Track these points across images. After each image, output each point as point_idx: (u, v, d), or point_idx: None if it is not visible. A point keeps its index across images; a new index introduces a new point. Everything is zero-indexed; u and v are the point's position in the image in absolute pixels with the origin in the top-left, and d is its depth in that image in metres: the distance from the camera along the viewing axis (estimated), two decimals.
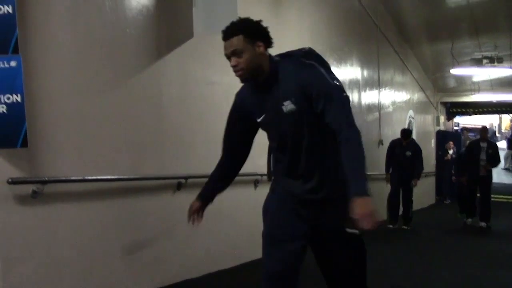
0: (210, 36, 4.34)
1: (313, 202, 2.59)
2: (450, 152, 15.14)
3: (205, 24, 4.57)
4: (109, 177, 3.94)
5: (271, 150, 2.77)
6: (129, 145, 4.22)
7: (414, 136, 11.41)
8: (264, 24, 2.52)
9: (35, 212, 3.42)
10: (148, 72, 4.41)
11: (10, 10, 3.21)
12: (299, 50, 2.65)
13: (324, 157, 2.55)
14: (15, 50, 3.21)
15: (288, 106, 2.50)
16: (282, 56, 2.62)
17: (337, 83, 2.55)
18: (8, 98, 3.22)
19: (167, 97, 4.63)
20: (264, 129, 2.69)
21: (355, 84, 9.66)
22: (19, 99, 3.22)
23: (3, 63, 3.22)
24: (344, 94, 2.54)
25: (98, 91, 3.92)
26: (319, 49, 2.76)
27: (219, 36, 2.51)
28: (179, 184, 4.66)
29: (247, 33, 2.47)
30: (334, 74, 2.63)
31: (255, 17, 2.52)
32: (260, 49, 2.50)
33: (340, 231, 2.52)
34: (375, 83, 10.95)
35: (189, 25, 4.58)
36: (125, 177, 4.10)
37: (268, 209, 2.68)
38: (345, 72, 9.11)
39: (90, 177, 3.76)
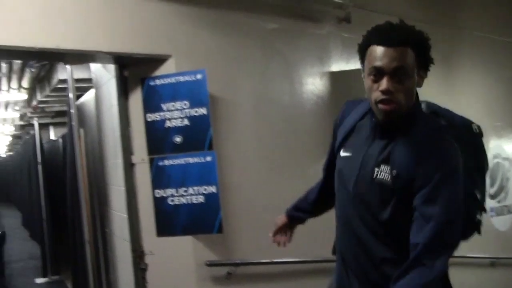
0: None
1: None
2: None
3: None
4: (293, 259, 4.14)
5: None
6: (310, 230, 4.40)
7: None
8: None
9: None
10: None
11: (205, 112, 3.62)
12: (451, 114, 1.84)
13: (377, 249, 1.80)
14: (210, 147, 3.60)
15: (382, 174, 1.69)
16: (429, 107, 1.80)
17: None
18: (205, 189, 3.60)
19: None
20: (335, 167, 1.93)
21: None
22: (214, 190, 3.59)
23: (200, 159, 3.62)
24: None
25: (280, 180, 4.21)
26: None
27: None
28: None
29: (419, 51, 1.61)
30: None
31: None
32: (419, 82, 1.66)
33: None
34: None
35: None
36: (307, 259, 4.26)
37: None
38: None
39: (277, 260, 4.00)
